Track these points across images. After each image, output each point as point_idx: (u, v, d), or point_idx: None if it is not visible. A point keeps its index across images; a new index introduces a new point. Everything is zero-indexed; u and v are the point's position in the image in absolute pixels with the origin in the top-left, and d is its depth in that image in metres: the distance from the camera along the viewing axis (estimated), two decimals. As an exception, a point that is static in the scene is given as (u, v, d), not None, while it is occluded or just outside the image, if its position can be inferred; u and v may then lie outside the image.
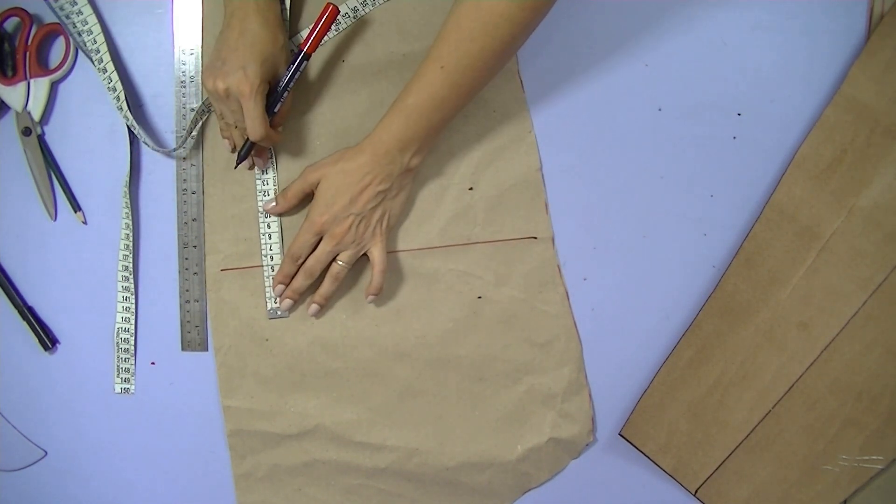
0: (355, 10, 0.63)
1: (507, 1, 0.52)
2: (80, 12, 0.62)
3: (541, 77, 0.64)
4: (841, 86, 0.62)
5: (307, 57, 0.58)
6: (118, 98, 0.62)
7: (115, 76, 0.62)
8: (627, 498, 0.67)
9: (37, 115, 0.63)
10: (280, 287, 0.62)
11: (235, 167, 0.62)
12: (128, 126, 0.62)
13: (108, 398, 0.65)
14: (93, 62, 0.62)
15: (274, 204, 0.62)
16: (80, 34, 0.62)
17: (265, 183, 0.64)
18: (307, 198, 0.62)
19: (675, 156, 0.65)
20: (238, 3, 0.56)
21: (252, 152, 0.61)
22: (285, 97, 0.59)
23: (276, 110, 0.59)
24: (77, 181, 0.64)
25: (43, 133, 0.64)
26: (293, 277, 0.62)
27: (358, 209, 0.59)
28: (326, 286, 0.62)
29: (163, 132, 0.64)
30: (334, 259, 0.61)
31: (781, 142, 0.64)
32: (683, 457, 0.64)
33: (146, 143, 0.62)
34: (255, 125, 0.56)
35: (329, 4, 0.57)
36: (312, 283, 0.62)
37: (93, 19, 0.62)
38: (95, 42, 0.62)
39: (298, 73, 0.58)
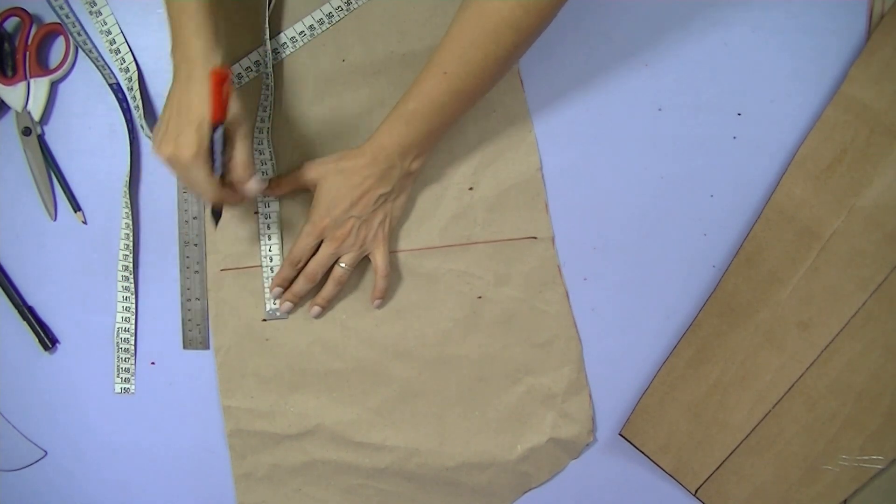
0: (348, 3, 0.63)
1: (511, 8, 0.51)
2: None
3: (541, 77, 0.64)
4: (841, 86, 0.62)
5: (217, 126, 0.51)
6: (131, 79, 0.62)
7: (129, 57, 0.62)
8: (627, 498, 0.67)
9: (37, 115, 0.63)
10: (278, 290, 0.62)
11: (214, 229, 0.61)
12: (129, 113, 0.62)
13: (108, 398, 0.65)
14: (103, 47, 0.63)
15: (265, 186, 0.61)
16: (89, 14, 0.62)
17: (265, 184, 0.63)
18: (299, 190, 0.62)
19: (675, 156, 0.65)
20: (181, 54, 0.52)
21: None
22: (221, 162, 0.53)
23: (220, 174, 0.53)
24: (77, 181, 0.64)
25: (43, 133, 0.64)
26: (293, 281, 0.62)
27: (358, 212, 0.59)
28: (329, 289, 0.62)
29: (163, 132, 0.64)
30: (336, 262, 0.61)
31: (781, 142, 0.64)
32: (683, 457, 0.64)
33: (143, 129, 0.62)
34: (202, 192, 0.53)
35: (213, 72, 0.50)
36: (313, 287, 0.62)
37: (102, 0, 0.62)
38: (106, 24, 0.62)
39: (221, 142, 0.52)
